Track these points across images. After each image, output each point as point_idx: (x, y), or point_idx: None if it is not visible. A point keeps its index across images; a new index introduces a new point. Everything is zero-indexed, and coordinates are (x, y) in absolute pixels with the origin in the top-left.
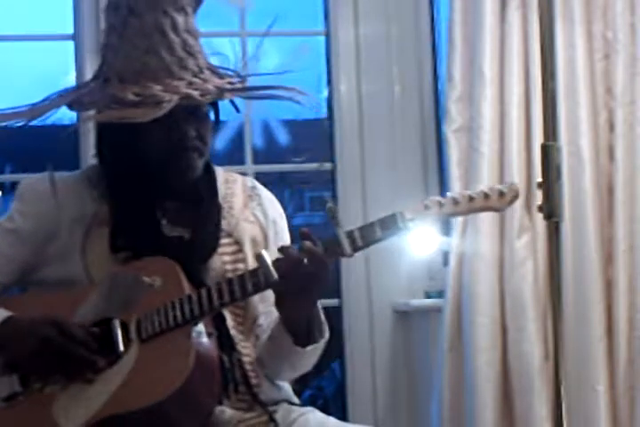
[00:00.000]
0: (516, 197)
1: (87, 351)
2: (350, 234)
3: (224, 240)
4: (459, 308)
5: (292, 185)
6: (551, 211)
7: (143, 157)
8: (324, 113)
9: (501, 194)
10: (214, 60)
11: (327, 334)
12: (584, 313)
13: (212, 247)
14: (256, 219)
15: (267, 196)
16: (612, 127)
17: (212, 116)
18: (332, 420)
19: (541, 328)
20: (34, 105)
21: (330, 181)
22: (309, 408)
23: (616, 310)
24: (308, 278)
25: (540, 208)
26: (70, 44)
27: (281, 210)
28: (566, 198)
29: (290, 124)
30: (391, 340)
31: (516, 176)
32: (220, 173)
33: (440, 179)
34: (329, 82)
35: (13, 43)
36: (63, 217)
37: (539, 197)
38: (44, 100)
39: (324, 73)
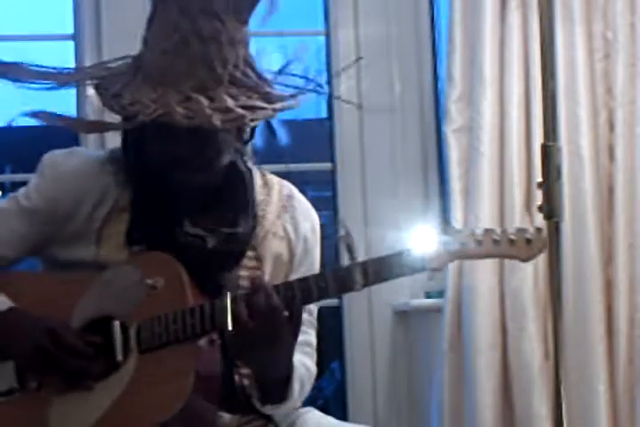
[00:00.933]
0: (544, 247)
1: (81, 362)
2: (364, 266)
3: (247, 253)
4: (459, 308)
5: (293, 185)
6: (551, 211)
7: (150, 162)
8: (323, 113)
9: (528, 242)
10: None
11: (290, 402)
12: (584, 313)
13: (238, 256)
14: (285, 234)
15: (302, 207)
16: (611, 127)
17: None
18: (330, 420)
19: (541, 328)
20: (63, 70)
21: (330, 181)
22: (308, 408)
23: (616, 310)
24: (267, 325)
25: (540, 208)
26: (70, 44)
27: (315, 223)
28: (566, 198)
29: (290, 124)
30: (391, 340)
31: (516, 176)
32: (258, 174)
33: (440, 179)
34: (329, 82)
35: (13, 43)
36: (83, 201)
37: (539, 197)
38: (73, 69)
39: (324, 73)
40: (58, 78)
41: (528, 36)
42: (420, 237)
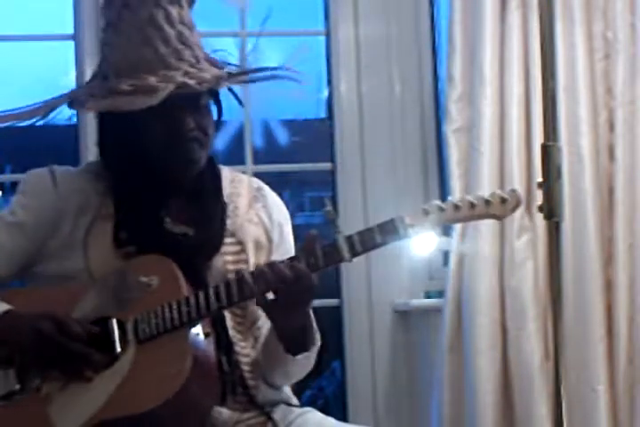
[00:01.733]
0: (518, 204)
1: (85, 348)
2: (349, 239)
3: (227, 240)
4: (459, 308)
5: (292, 185)
6: (551, 211)
7: (144, 150)
8: (323, 113)
9: (503, 201)
10: (218, 57)
11: (319, 342)
12: (584, 313)
13: (216, 246)
14: (260, 221)
15: (272, 198)
16: (611, 127)
17: (214, 110)
18: (330, 420)
19: (541, 328)
20: (32, 106)
21: (330, 181)
22: (308, 409)
23: (616, 310)
24: (295, 294)
25: (540, 208)
26: (70, 44)
27: (286, 213)
28: (566, 198)
29: (290, 124)
30: (391, 340)
31: (516, 176)
32: (227, 172)
33: (440, 179)
34: (329, 82)
35: (13, 43)
36: (66, 211)
37: (539, 197)
38: (44, 102)
39: (324, 73)
40: (31, 114)
41: (528, 36)
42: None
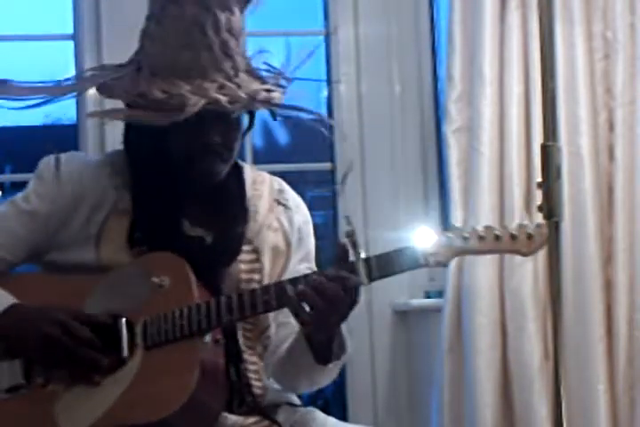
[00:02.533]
0: (544, 242)
1: (91, 351)
2: (367, 263)
3: (244, 247)
4: (459, 308)
5: (292, 185)
6: (551, 211)
7: (166, 156)
8: (323, 113)
9: (529, 237)
10: (261, 59)
11: (349, 349)
12: (584, 313)
13: (234, 253)
14: (280, 225)
15: (294, 200)
16: (611, 127)
17: (245, 120)
18: (332, 420)
19: (541, 328)
20: (60, 82)
21: (330, 181)
22: (310, 409)
23: (616, 310)
24: (337, 306)
25: (540, 208)
26: (70, 44)
27: (307, 215)
28: (566, 198)
29: (290, 124)
30: (391, 340)
31: (516, 176)
32: (248, 171)
33: (440, 179)
34: (329, 82)
35: (13, 43)
36: (82, 203)
37: (539, 197)
38: (72, 78)
39: (324, 73)
40: (51, 91)
41: (528, 36)
42: (421, 235)
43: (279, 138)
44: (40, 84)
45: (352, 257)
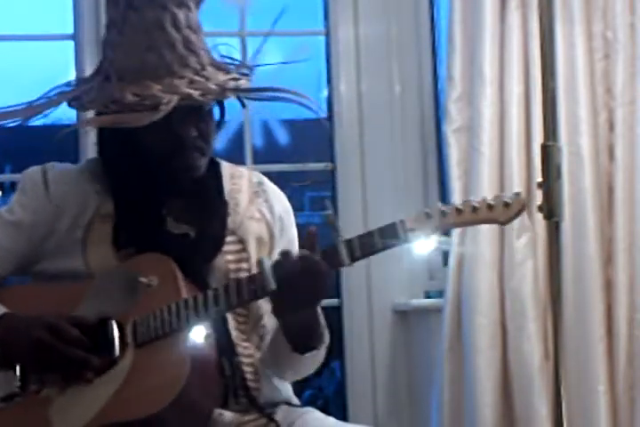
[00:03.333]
0: (522, 209)
1: (80, 351)
2: (349, 243)
3: (228, 238)
4: (459, 308)
5: (293, 185)
6: (551, 211)
7: (144, 156)
8: (324, 113)
9: (506, 205)
10: (221, 51)
11: (327, 339)
12: (584, 313)
13: (218, 246)
14: (262, 216)
15: (273, 191)
16: (611, 127)
17: (216, 113)
18: (331, 420)
19: (541, 328)
20: (31, 103)
21: (330, 181)
22: (309, 409)
23: (616, 310)
24: (308, 287)
25: (540, 208)
26: (70, 44)
27: (288, 205)
28: (566, 198)
29: (290, 124)
30: (391, 340)
31: (516, 176)
32: (226, 167)
33: (440, 179)
34: (329, 82)
35: (13, 43)
36: (64, 211)
37: (539, 197)
38: (42, 98)
39: (323, 73)
40: (23, 113)
41: (528, 36)
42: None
43: (279, 138)
44: (11, 109)
45: (334, 239)
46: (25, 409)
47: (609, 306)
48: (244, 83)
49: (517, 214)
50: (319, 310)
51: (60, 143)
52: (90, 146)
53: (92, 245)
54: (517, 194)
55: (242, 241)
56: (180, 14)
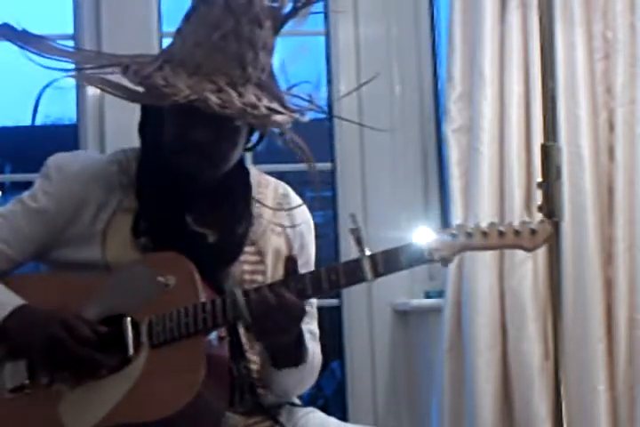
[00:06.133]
0: (549, 238)
1: (95, 353)
2: (372, 259)
3: (247, 248)
4: (459, 308)
5: (292, 185)
6: (551, 211)
7: (163, 145)
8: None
9: (533, 232)
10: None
11: (308, 359)
12: (584, 313)
13: (236, 253)
14: (283, 230)
15: (297, 204)
16: (611, 127)
17: (252, 135)
18: (332, 420)
19: (541, 328)
20: (90, 52)
21: (330, 181)
22: (311, 409)
23: (616, 310)
24: (279, 321)
25: (540, 208)
26: (70, 44)
27: (310, 222)
28: (566, 198)
29: (290, 125)
30: (391, 340)
31: (516, 176)
32: (255, 175)
33: (440, 179)
34: (329, 82)
35: None
36: (88, 202)
37: (539, 197)
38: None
39: (323, 73)
40: (79, 58)
41: (528, 36)
42: (421, 235)
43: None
44: (71, 49)
45: (358, 254)
46: (35, 402)
47: (609, 306)
48: (281, 119)
49: (544, 243)
50: (302, 331)
51: (60, 143)
52: (90, 146)
53: (112, 237)
54: (543, 222)
55: (260, 253)
56: (246, 28)
